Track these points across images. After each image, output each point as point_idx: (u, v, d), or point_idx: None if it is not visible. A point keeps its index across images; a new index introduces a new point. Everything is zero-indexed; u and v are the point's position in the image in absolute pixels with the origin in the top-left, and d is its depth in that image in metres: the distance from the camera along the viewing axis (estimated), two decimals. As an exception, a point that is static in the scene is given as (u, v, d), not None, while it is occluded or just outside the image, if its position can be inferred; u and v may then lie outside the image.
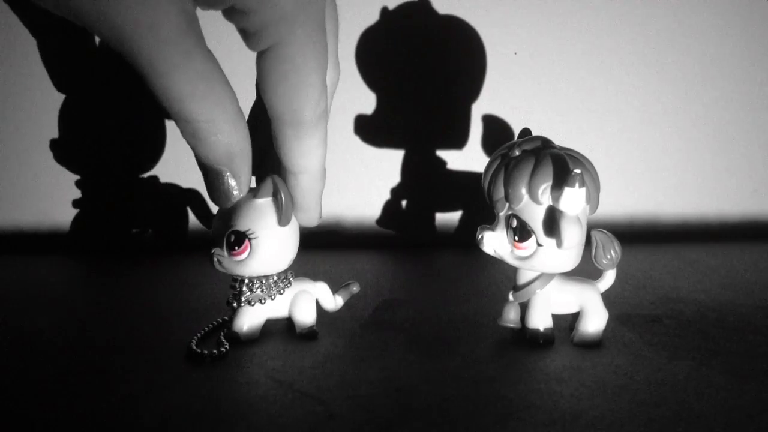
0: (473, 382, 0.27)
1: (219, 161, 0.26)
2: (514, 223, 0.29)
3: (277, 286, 0.32)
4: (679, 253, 0.54)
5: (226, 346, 0.31)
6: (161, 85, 0.23)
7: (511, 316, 0.32)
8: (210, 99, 0.24)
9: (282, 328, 0.34)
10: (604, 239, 0.30)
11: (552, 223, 0.28)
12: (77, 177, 0.57)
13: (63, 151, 0.56)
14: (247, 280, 0.31)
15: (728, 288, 0.42)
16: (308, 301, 0.33)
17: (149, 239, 0.58)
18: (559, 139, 0.31)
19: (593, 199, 0.29)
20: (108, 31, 0.22)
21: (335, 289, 0.35)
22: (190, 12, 0.24)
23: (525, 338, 0.31)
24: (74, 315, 0.38)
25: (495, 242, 0.30)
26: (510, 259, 0.30)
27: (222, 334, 0.32)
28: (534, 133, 0.31)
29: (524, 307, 0.32)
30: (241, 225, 0.29)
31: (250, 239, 0.29)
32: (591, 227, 0.30)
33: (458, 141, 0.58)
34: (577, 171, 0.27)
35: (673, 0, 0.58)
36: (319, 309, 0.34)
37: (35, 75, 0.56)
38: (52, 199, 0.57)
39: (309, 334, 0.33)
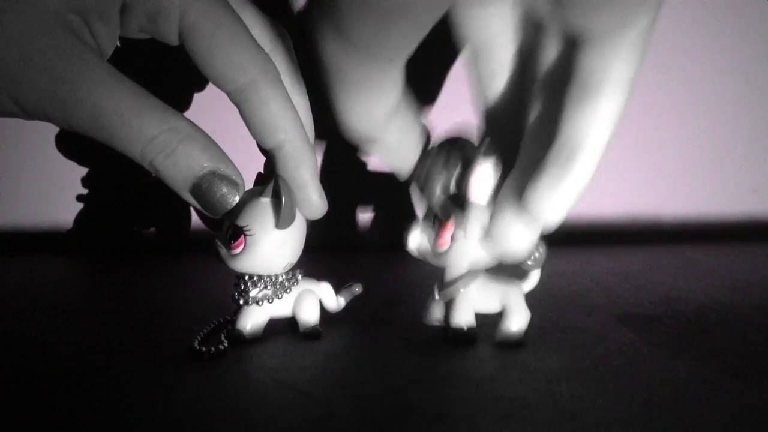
0: (473, 381, 0.27)
1: (199, 164, 0.25)
2: (432, 219, 0.30)
3: (284, 285, 0.32)
4: (679, 253, 0.54)
5: (225, 344, 0.31)
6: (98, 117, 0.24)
7: (436, 314, 0.32)
8: (158, 108, 0.25)
9: (282, 328, 0.34)
10: None
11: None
12: (78, 176, 0.57)
13: (63, 150, 0.56)
14: (255, 277, 0.31)
15: (728, 288, 0.42)
16: (312, 300, 0.33)
17: (151, 238, 0.58)
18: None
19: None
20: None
21: (337, 290, 0.35)
22: (96, 47, 0.25)
23: (448, 337, 0.32)
24: (74, 315, 0.38)
25: (419, 240, 0.31)
26: (431, 258, 0.31)
27: (223, 334, 0.32)
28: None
29: (448, 306, 0.32)
30: (241, 220, 0.29)
31: (246, 235, 0.29)
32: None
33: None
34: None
35: (672, 0, 0.58)
36: (320, 308, 0.34)
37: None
38: (52, 198, 0.57)
39: (312, 334, 0.33)
